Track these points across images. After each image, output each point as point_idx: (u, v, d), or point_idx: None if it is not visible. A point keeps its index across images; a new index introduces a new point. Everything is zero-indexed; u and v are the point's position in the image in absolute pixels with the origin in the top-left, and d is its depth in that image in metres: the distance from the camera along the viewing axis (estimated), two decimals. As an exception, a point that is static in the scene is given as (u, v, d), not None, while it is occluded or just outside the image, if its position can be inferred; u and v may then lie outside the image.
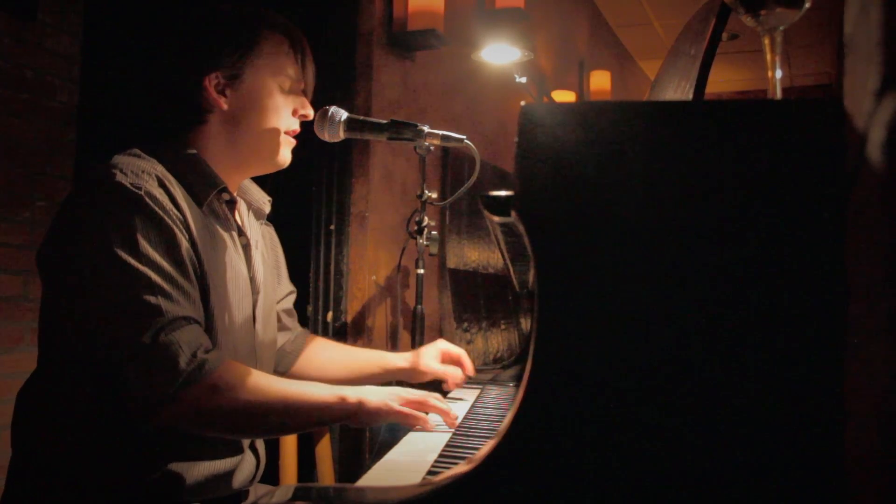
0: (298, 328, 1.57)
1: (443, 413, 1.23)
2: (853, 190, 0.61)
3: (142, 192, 1.08)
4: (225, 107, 1.24)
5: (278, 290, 1.50)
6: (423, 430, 1.21)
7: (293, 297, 1.56)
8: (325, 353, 1.58)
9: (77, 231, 1.10)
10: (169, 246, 1.09)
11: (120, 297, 1.04)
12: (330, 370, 1.56)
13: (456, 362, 1.59)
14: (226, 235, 1.25)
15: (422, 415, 1.18)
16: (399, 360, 1.57)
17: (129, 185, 1.08)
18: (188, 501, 1.15)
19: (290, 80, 1.29)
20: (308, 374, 1.54)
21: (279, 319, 1.50)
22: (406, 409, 1.16)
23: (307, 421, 1.17)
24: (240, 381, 1.08)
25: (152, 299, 1.04)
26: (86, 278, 1.07)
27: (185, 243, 1.11)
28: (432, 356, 1.56)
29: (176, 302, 1.06)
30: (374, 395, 1.15)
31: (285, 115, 1.29)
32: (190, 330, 1.06)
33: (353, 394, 1.14)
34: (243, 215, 1.37)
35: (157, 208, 1.09)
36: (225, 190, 1.24)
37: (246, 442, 1.27)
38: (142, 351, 1.02)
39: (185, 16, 1.29)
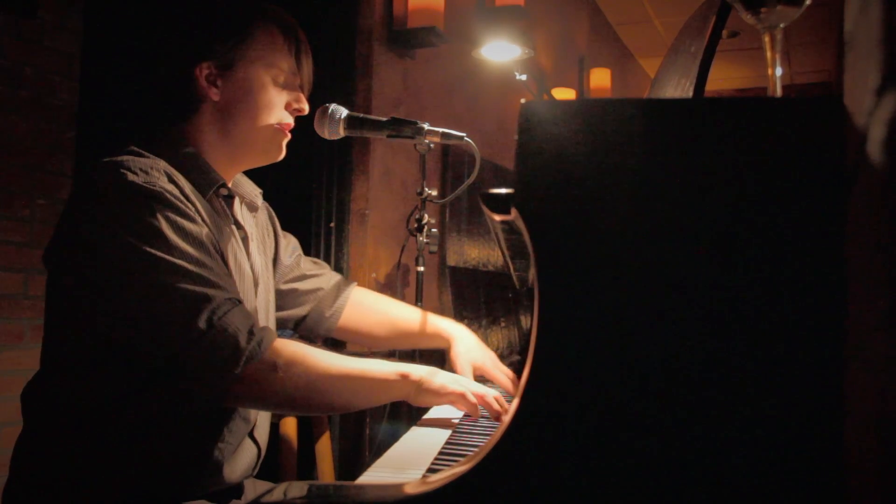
0: (327, 274, 1.57)
1: (498, 412, 1.20)
2: (853, 188, 0.61)
3: (158, 188, 1.09)
4: (216, 98, 1.23)
5: (284, 256, 1.51)
6: (472, 417, 1.21)
7: (300, 252, 1.57)
8: (376, 305, 1.59)
9: (99, 235, 1.08)
10: (195, 235, 1.10)
11: (164, 293, 1.05)
12: (376, 326, 1.57)
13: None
14: (226, 229, 1.25)
15: (476, 402, 1.17)
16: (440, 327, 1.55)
17: (143, 184, 1.08)
18: (188, 494, 1.16)
19: (284, 74, 1.28)
20: (358, 327, 1.56)
21: (297, 279, 1.52)
22: (462, 390, 1.16)
23: (368, 397, 1.18)
24: (298, 357, 1.10)
25: (196, 288, 1.05)
26: (120, 281, 1.07)
27: (206, 230, 1.12)
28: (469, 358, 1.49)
29: (217, 286, 1.07)
30: (437, 377, 1.16)
31: (278, 109, 1.27)
32: (239, 310, 1.08)
33: (415, 372, 1.15)
34: (237, 208, 1.37)
35: (176, 201, 1.09)
36: (223, 185, 1.24)
37: (246, 430, 1.27)
38: (200, 336, 1.03)
39: (178, 5, 1.28)
